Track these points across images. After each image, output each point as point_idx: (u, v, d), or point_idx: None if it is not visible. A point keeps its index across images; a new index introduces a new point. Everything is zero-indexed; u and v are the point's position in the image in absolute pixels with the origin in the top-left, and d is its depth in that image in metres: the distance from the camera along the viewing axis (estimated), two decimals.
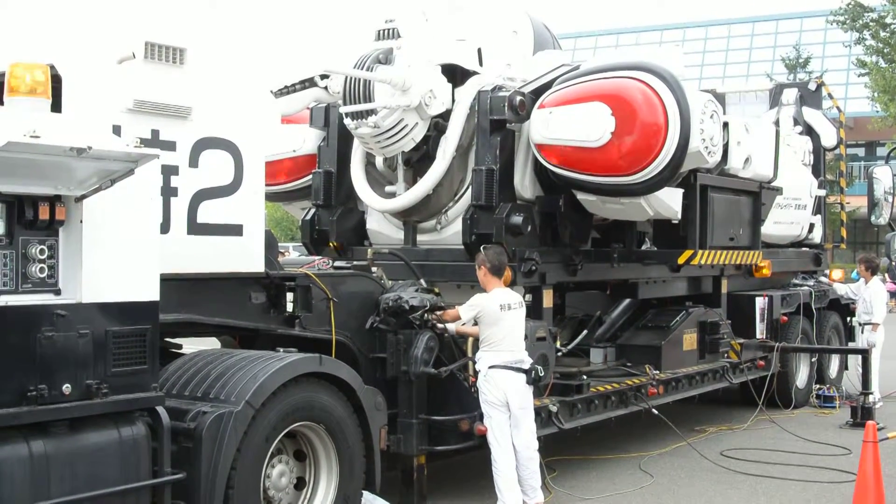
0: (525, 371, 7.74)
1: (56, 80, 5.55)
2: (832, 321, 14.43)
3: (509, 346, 7.79)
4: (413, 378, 7.78)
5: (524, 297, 8.65)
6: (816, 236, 14.36)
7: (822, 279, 14.77)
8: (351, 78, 8.72)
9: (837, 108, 15.92)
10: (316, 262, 10.52)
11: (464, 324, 8.02)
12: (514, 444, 7.77)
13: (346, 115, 8.85)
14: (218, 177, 6.75)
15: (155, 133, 6.33)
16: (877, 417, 11.17)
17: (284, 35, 8.69)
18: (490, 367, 7.74)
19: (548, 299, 9.26)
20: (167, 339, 6.90)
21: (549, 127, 8.78)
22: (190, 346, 7.10)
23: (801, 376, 13.41)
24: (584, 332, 10.54)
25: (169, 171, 6.37)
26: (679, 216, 9.54)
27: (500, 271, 8.02)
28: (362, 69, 8.63)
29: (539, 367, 7.79)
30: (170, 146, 6.41)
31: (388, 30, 8.90)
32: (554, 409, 8.65)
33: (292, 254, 21.97)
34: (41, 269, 5.13)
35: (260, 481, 6.13)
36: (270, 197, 10.15)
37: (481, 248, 8.28)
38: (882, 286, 14.34)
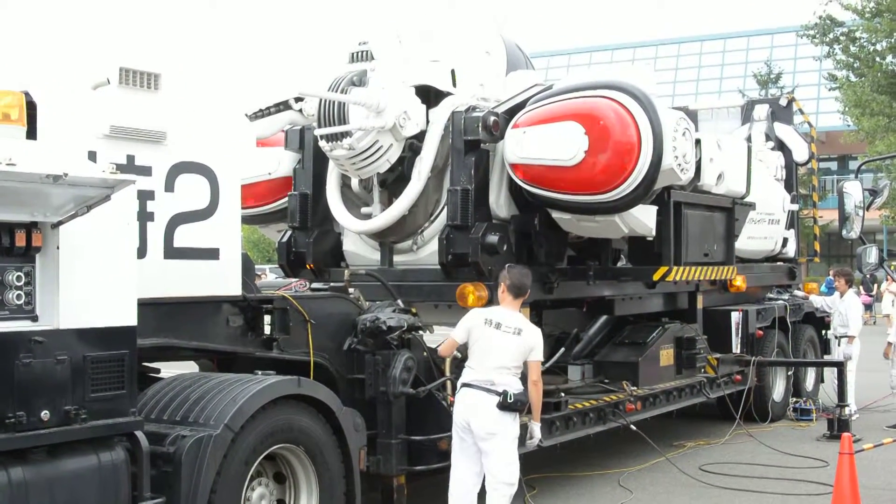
0: (498, 394, 7.19)
1: (31, 107, 5.55)
2: (807, 334, 14.53)
3: (482, 364, 7.32)
4: (392, 398, 7.78)
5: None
6: (790, 250, 14.48)
7: (797, 293, 14.88)
8: (325, 100, 8.75)
9: (808, 122, 16.13)
10: (293, 284, 10.52)
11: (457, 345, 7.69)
12: (485, 470, 7.36)
13: (321, 137, 8.86)
14: (194, 201, 6.76)
15: (130, 158, 6.33)
16: (853, 429, 11.25)
17: (259, 59, 8.72)
18: (462, 385, 7.43)
19: None
20: (145, 364, 6.89)
21: (523, 146, 8.84)
22: (168, 370, 7.09)
23: (778, 390, 13.51)
24: (562, 349, 10.55)
25: (145, 195, 6.37)
26: (653, 233, 9.62)
27: (519, 291, 7.56)
28: (337, 91, 8.66)
29: (510, 392, 7.18)
30: (145, 171, 6.41)
31: (362, 52, 8.93)
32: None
33: (269, 276, 21.94)
34: (18, 296, 5.11)
35: None
36: (247, 220, 10.15)
37: (506, 266, 7.91)
38: (857, 299, 14.48)
